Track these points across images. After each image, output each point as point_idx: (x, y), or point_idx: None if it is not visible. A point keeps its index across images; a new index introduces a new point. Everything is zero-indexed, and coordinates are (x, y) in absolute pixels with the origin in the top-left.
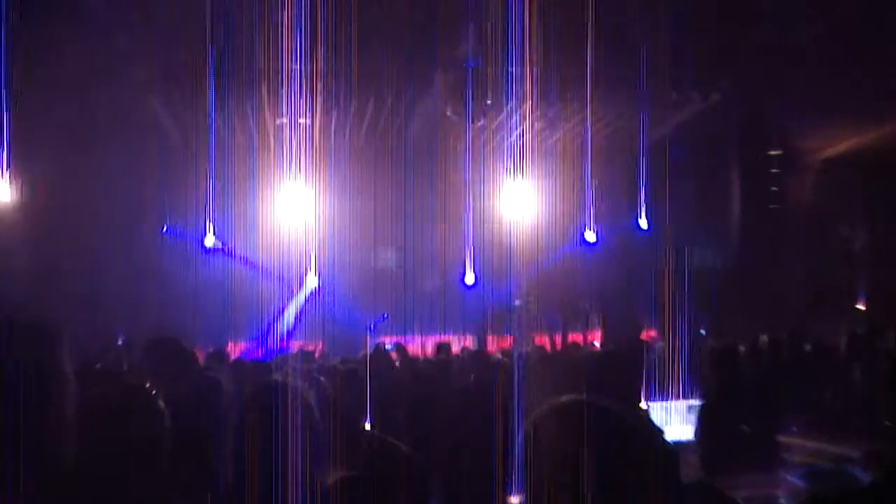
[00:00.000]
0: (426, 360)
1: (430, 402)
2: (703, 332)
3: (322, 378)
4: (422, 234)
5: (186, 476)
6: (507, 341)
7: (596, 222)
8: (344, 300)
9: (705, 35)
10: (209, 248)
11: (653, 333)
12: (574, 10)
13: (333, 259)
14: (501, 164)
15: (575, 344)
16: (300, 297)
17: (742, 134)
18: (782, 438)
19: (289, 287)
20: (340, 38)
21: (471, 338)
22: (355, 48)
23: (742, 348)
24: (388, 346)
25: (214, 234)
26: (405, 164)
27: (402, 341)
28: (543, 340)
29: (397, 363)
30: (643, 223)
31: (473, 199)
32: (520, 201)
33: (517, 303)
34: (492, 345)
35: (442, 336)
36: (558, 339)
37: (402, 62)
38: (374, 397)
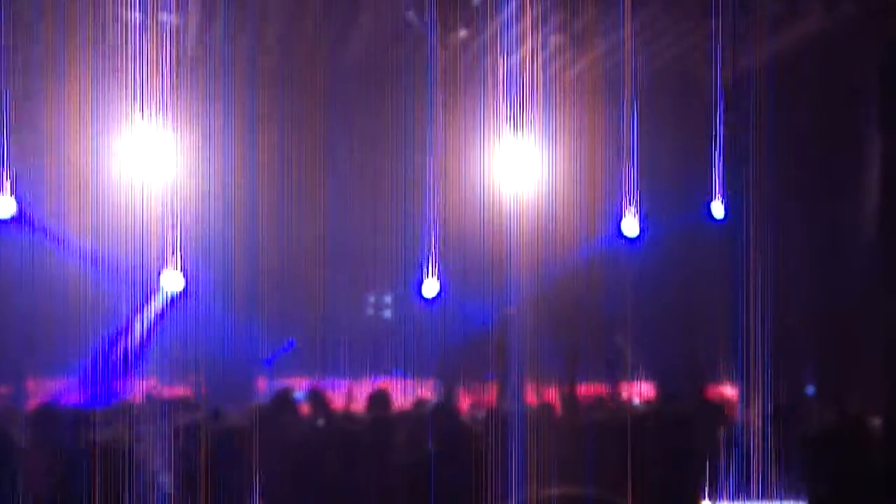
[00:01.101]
0: (356, 417)
1: (359, 488)
2: (809, 392)
3: (183, 439)
4: (355, 215)
5: None
6: (490, 393)
7: (640, 206)
8: (225, 315)
9: None
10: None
11: (726, 391)
12: None
13: (209, 248)
14: (491, 107)
15: (600, 401)
16: (153, 308)
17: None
18: None
19: (134, 289)
20: None
21: (430, 384)
22: None
23: (876, 422)
24: (297, 394)
25: (15, 195)
26: (334, 100)
27: (319, 386)
28: (550, 394)
29: (311, 420)
30: (717, 210)
31: (443, 162)
32: (518, 168)
33: (507, 318)
34: (463, 397)
35: (382, 380)
36: (573, 391)
37: None
38: (266, 475)
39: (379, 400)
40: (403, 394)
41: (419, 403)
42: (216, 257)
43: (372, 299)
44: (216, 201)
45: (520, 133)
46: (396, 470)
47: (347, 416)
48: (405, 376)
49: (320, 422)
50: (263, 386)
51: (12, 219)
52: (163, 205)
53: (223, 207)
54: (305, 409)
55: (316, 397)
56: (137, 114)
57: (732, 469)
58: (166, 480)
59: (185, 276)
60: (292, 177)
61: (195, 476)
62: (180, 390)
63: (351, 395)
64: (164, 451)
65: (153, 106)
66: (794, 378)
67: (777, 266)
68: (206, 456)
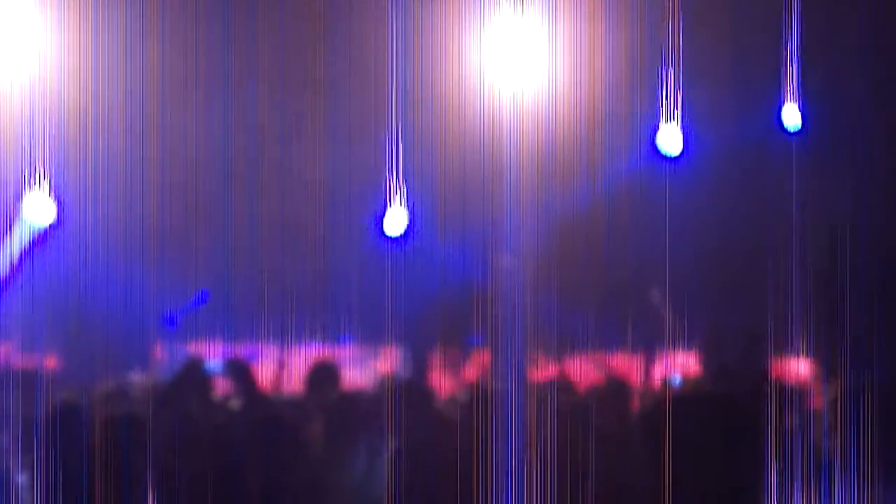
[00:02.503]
0: (291, 399)
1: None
2: None
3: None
4: (286, 118)
5: None
6: (476, 366)
7: (684, 111)
8: (109, 257)
9: None
10: None
11: (798, 367)
12: None
13: (90, 165)
14: None
15: (622, 383)
16: (10, 247)
17: None
18: None
19: None
20: None
21: (396, 355)
22: None
23: None
24: (209, 366)
25: None
26: None
27: (241, 354)
28: (567, 370)
29: (228, 403)
30: (791, 118)
31: (411, 42)
32: (518, 57)
33: (507, 264)
34: (441, 373)
35: (327, 348)
36: (594, 367)
37: None
38: (164, 477)
39: (323, 375)
40: (356, 367)
41: (378, 381)
42: (99, 177)
43: (313, 235)
44: (102, 101)
45: (521, 7)
46: (346, 472)
47: (279, 397)
48: (359, 342)
49: (239, 404)
50: (162, 354)
51: None
52: (27, 105)
53: (111, 110)
54: (221, 386)
55: (236, 370)
56: None
57: (802, 470)
58: (23, 483)
59: (57, 203)
60: (204, 69)
61: (64, 477)
62: (46, 360)
63: (284, 369)
64: (21, 443)
65: None
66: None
67: (876, 195)
68: (81, 450)
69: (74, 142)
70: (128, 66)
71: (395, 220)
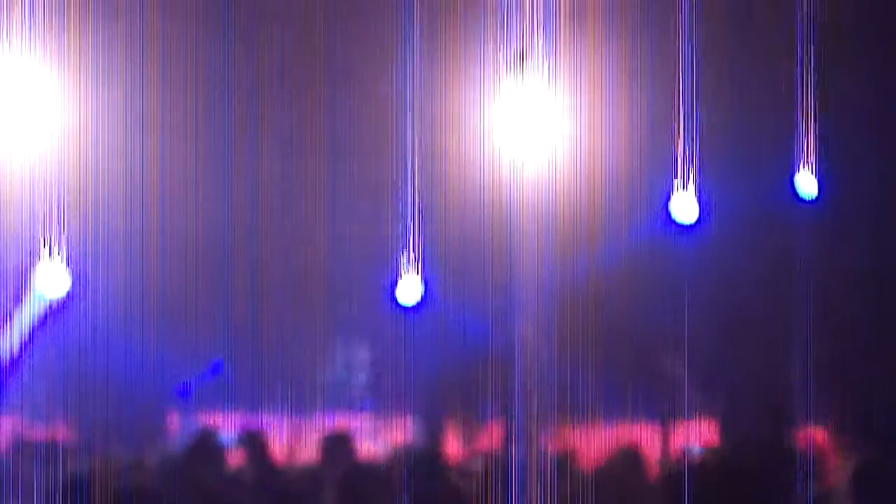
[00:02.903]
0: (306, 470)
1: None
2: None
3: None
4: (304, 193)
5: None
6: (489, 436)
7: (698, 179)
8: (124, 329)
9: None
10: None
11: (818, 436)
12: None
13: (104, 237)
14: (488, 39)
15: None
16: (23, 318)
17: None
18: None
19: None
20: None
21: (407, 424)
22: None
23: None
24: (223, 437)
25: None
26: (268, 23)
27: (255, 425)
28: (582, 441)
29: (243, 474)
30: (806, 186)
31: (423, 116)
32: (524, 125)
33: (514, 335)
34: (453, 441)
35: (341, 418)
36: (609, 434)
37: None
38: None
39: (337, 446)
40: (370, 438)
41: (393, 451)
42: (113, 250)
43: (327, 306)
44: (116, 173)
45: (526, 75)
46: None
47: (293, 468)
48: (373, 413)
49: (253, 475)
50: (177, 425)
51: None
52: (41, 176)
53: (125, 182)
54: (235, 457)
55: (250, 441)
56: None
57: None
58: None
59: (71, 274)
60: (219, 139)
61: None
62: (59, 432)
63: (298, 439)
64: None
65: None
66: None
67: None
68: None
69: (87, 213)
70: (129, 129)
71: (409, 290)
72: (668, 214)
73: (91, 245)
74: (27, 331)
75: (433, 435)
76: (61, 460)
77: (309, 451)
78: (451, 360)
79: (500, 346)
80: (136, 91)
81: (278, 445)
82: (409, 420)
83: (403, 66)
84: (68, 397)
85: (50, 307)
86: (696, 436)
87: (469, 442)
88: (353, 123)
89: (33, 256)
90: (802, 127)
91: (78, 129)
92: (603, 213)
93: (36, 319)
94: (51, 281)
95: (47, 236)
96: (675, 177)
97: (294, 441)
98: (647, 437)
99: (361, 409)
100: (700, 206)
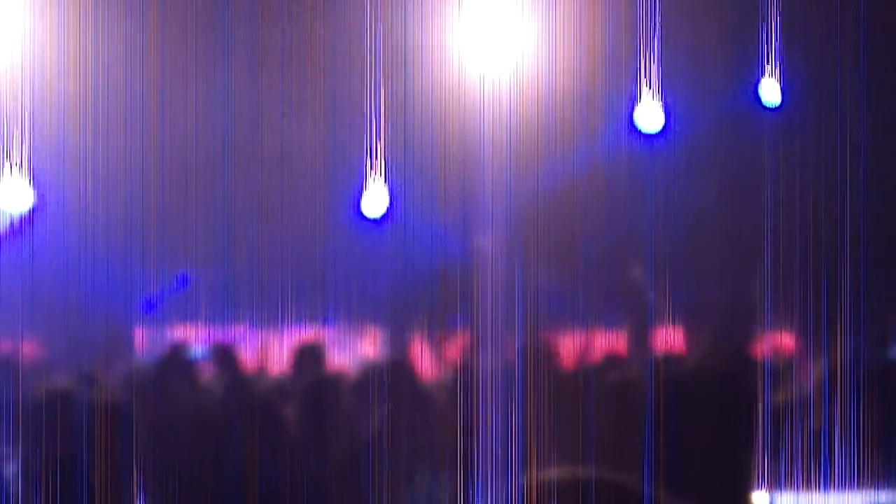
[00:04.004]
0: (278, 381)
1: (282, 479)
2: None
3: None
4: (266, 103)
5: None
6: (459, 343)
7: (663, 87)
8: (87, 241)
9: None
10: None
11: (784, 342)
12: None
13: (65, 147)
14: None
15: (614, 357)
16: None
17: None
18: None
19: None
20: None
21: (377, 334)
22: None
23: None
24: (193, 351)
25: None
26: None
27: (225, 338)
28: (552, 343)
29: (214, 387)
30: (769, 92)
31: (385, 24)
32: (491, 35)
33: (480, 245)
34: (423, 352)
35: (309, 330)
36: (573, 343)
37: None
38: (151, 464)
39: (309, 356)
40: (339, 349)
41: (363, 362)
42: (78, 164)
43: (293, 219)
44: (79, 87)
45: None
46: (335, 453)
47: (263, 380)
48: (341, 325)
49: (224, 388)
50: (144, 339)
51: None
52: (1, 89)
53: (89, 96)
54: (205, 371)
55: (221, 355)
56: None
57: (798, 449)
58: (12, 472)
59: (35, 189)
60: (183, 55)
61: (46, 463)
62: (24, 347)
63: (267, 352)
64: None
65: None
66: (882, 325)
67: (859, 171)
68: (63, 436)
69: (50, 126)
70: (101, 49)
71: (375, 202)
72: (633, 124)
73: (55, 160)
74: None
75: (401, 346)
76: (27, 376)
77: (278, 363)
78: (417, 271)
79: (466, 257)
80: (101, 6)
81: (247, 358)
82: (377, 331)
83: None
84: (33, 313)
85: (13, 222)
86: (663, 343)
87: (437, 352)
88: (316, 35)
89: None
90: (766, 33)
91: (40, 41)
92: (567, 123)
93: None
94: (14, 196)
95: (10, 151)
96: (639, 86)
97: (263, 353)
98: (613, 345)
99: (329, 322)
100: (665, 114)
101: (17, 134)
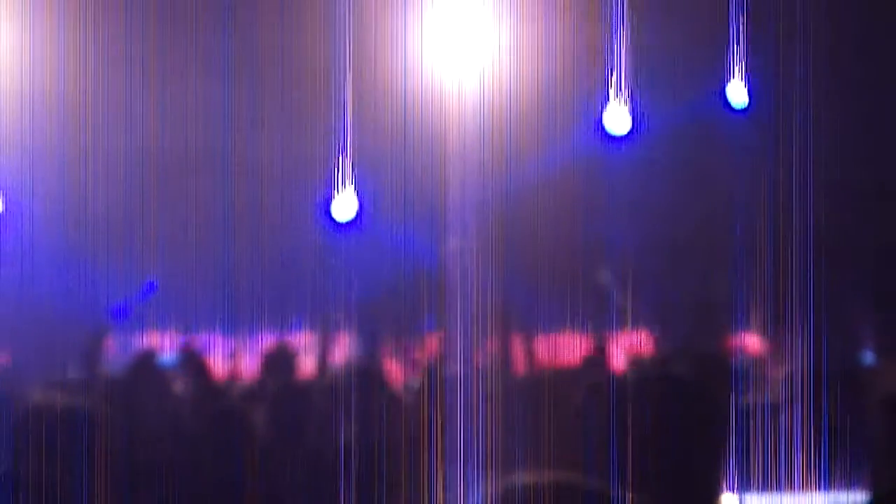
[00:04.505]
0: (243, 387)
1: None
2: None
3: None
4: (237, 107)
5: None
6: (428, 351)
7: (631, 90)
8: (56, 246)
9: None
10: None
11: (752, 344)
12: None
13: (31, 151)
14: None
15: (592, 360)
16: None
17: None
18: None
19: None
20: None
21: (345, 341)
22: None
23: None
24: (162, 356)
25: None
26: None
27: (194, 342)
28: (515, 351)
29: (184, 393)
30: (736, 95)
31: (356, 29)
32: (462, 39)
33: (452, 247)
34: (392, 357)
35: (280, 336)
36: (542, 346)
37: None
38: (120, 473)
39: (279, 362)
40: (308, 354)
41: (331, 367)
42: (47, 172)
43: (263, 223)
44: (49, 94)
45: None
46: (304, 460)
47: (233, 386)
48: (311, 330)
49: (194, 395)
50: (113, 346)
51: None
52: None
53: (58, 103)
54: (174, 377)
55: (190, 361)
56: None
57: (765, 450)
58: None
59: (3, 197)
60: (152, 63)
61: (11, 471)
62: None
63: (237, 358)
64: None
65: None
66: (847, 328)
67: (825, 172)
68: (30, 448)
69: (15, 129)
70: (65, 51)
71: (344, 206)
72: (601, 126)
73: (24, 168)
74: None
75: (371, 351)
76: None
77: (249, 368)
78: (387, 275)
79: (435, 261)
80: (71, 16)
81: (217, 364)
82: (347, 337)
83: None
84: (1, 321)
85: None
86: (632, 347)
87: (406, 357)
88: (285, 43)
89: None
90: (733, 36)
91: (10, 50)
92: (536, 126)
93: None
94: None
95: None
96: (608, 89)
97: (233, 360)
98: (582, 349)
99: (299, 327)
100: (632, 117)
101: None
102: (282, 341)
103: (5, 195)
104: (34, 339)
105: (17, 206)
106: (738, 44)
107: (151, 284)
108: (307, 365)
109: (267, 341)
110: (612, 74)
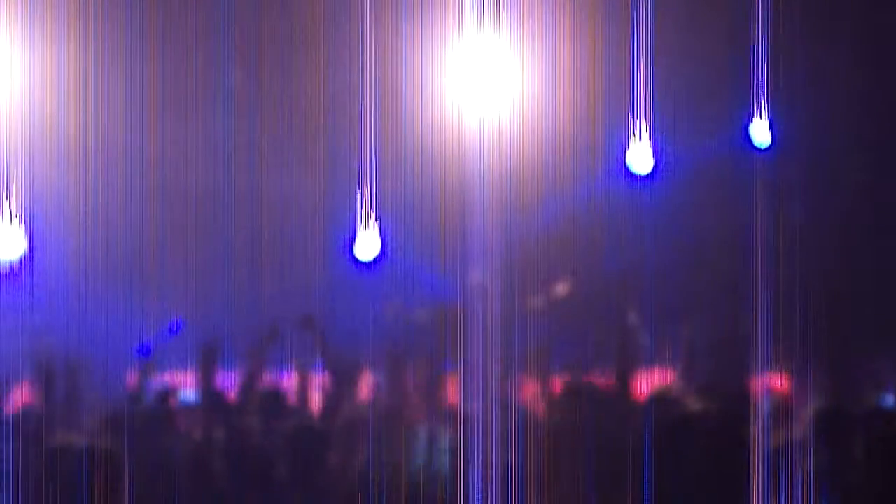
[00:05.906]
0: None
1: None
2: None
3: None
4: (259, 149)
5: None
6: (448, 390)
7: (654, 130)
8: (80, 288)
9: None
10: None
11: (776, 383)
12: None
13: (58, 196)
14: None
15: (610, 397)
16: None
17: None
18: None
19: None
20: None
21: (368, 380)
22: None
23: None
24: (184, 395)
25: None
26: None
27: (217, 385)
28: (547, 384)
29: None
30: (759, 134)
31: (379, 72)
32: (486, 79)
33: (475, 286)
34: (412, 396)
35: (300, 375)
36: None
37: None
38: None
39: (302, 400)
40: (329, 394)
41: (353, 407)
42: (70, 211)
43: (284, 263)
44: (74, 134)
45: (489, 28)
46: (326, 497)
47: (254, 425)
48: (332, 369)
49: (216, 433)
50: (136, 384)
51: None
52: None
53: (81, 143)
54: (196, 415)
55: (215, 400)
56: None
57: (784, 487)
58: None
59: (30, 232)
60: (175, 101)
61: None
62: (18, 396)
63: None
64: None
65: None
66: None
67: (848, 211)
68: (55, 484)
69: (42, 172)
70: (101, 94)
71: (367, 246)
72: (625, 166)
73: (47, 207)
74: None
75: (394, 390)
76: (20, 422)
77: (273, 407)
78: (410, 314)
79: (459, 300)
80: (100, 50)
81: (241, 402)
82: (369, 375)
83: (359, 20)
84: (26, 362)
85: (5, 270)
86: (655, 385)
87: (429, 396)
88: (308, 81)
89: None
90: (756, 76)
91: (35, 88)
92: (559, 165)
93: None
94: (6, 243)
95: (2, 198)
96: (631, 128)
97: (254, 399)
98: (606, 387)
99: (320, 367)
100: (655, 156)
101: (8, 182)
102: (303, 378)
103: (30, 236)
104: (57, 378)
105: (42, 247)
106: (761, 83)
107: (177, 323)
108: (329, 402)
109: (292, 378)
110: (635, 113)
